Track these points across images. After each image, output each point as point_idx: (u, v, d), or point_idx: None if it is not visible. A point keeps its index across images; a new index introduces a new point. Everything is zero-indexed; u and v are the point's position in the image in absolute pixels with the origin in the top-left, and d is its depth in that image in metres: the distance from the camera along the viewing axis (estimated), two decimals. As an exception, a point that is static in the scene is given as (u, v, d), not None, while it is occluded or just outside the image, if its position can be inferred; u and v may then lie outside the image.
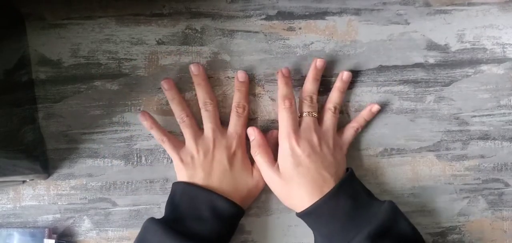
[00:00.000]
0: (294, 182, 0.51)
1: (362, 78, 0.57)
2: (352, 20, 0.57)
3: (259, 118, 0.56)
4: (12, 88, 0.51)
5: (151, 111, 0.56)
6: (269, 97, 0.56)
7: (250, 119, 0.56)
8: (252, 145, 0.54)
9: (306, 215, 0.51)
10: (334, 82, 0.56)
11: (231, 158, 0.52)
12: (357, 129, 0.55)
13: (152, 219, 0.50)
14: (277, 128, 0.54)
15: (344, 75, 0.55)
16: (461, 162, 0.57)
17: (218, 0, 0.57)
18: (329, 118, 0.54)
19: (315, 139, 0.51)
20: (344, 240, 0.48)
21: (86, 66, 0.56)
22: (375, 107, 0.55)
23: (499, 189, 0.57)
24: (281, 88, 0.53)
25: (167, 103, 0.56)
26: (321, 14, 0.57)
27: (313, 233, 0.53)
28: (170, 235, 0.47)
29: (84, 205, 0.55)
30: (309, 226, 0.52)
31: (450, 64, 0.57)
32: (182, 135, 0.54)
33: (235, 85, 0.55)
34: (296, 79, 0.56)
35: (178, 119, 0.54)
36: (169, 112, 0.56)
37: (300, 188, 0.50)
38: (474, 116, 0.57)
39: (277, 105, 0.56)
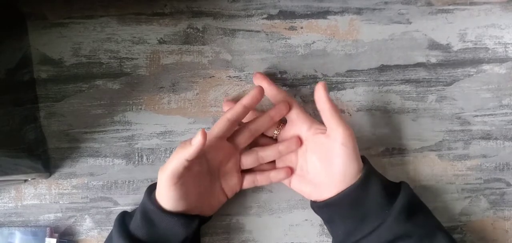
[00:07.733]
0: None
1: (364, 78, 0.57)
2: (354, 20, 0.57)
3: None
4: (13, 87, 0.51)
5: (152, 111, 0.56)
6: (271, 96, 0.56)
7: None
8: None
9: (338, 201, 0.49)
10: (334, 82, 0.56)
11: None
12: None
13: (122, 213, 0.51)
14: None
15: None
16: (462, 162, 0.57)
17: (220, -1, 0.57)
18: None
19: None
20: (379, 218, 0.48)
21: (88, 66, 0.56)
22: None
23: (501, 188, 0.57)
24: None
25: (168, 103, 0.56)
26: (323, 14, 0.57)
27: (333, 225, 0.51)
28: (120, 234, 0.48)
29: (86, 204, 0.55)
30: (333, 216, 0.50)
31: (452, 64, 0.57)
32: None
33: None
34: (297, 79, 0.56)
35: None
36: (170, 112, 0.56)
37: (345, 178, 0.49)
38: (476, 116, 0.57)
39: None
